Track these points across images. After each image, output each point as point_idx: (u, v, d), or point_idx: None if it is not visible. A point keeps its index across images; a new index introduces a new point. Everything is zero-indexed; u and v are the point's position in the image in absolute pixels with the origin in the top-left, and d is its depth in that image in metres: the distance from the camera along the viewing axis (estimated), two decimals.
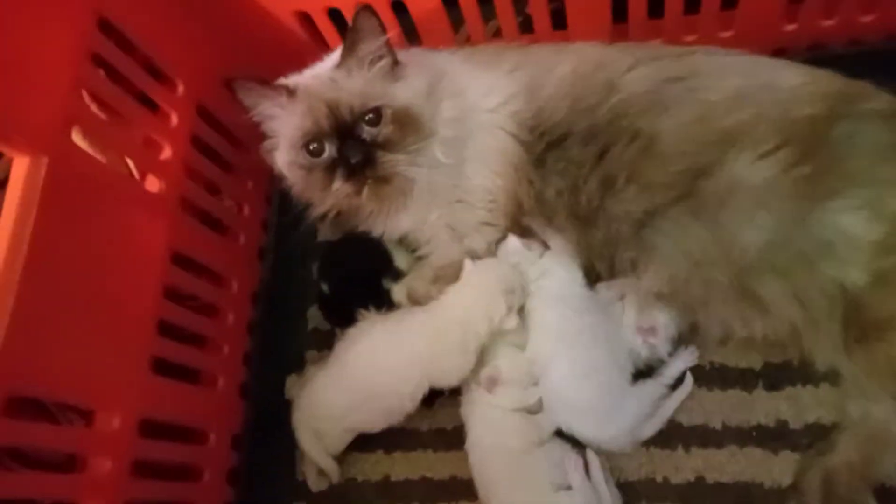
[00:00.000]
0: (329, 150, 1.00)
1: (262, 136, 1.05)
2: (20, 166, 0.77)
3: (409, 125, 1.00)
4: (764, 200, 0.94)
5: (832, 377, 1.01)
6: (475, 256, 1.11)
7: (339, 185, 1.00)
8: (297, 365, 1.21)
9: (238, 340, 1.16)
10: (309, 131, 1.00)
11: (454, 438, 1.10)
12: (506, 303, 1.03)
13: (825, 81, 0.99)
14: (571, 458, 1.00)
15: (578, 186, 1.04)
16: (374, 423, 1.08)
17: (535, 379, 1.05)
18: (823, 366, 1.00)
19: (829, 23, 1.10)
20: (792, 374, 1.04)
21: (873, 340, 0.94)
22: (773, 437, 1.02)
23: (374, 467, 1.13)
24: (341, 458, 1.14)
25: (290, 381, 1.15)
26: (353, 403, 1.05)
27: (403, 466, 1.12)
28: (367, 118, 0.99)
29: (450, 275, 1.10)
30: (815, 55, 1.11)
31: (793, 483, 0.98)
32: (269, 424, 1.17)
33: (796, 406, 1.03)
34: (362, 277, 1.17)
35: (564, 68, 1.05)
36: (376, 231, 1.15)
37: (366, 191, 1.01)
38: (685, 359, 1.06)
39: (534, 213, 1.08)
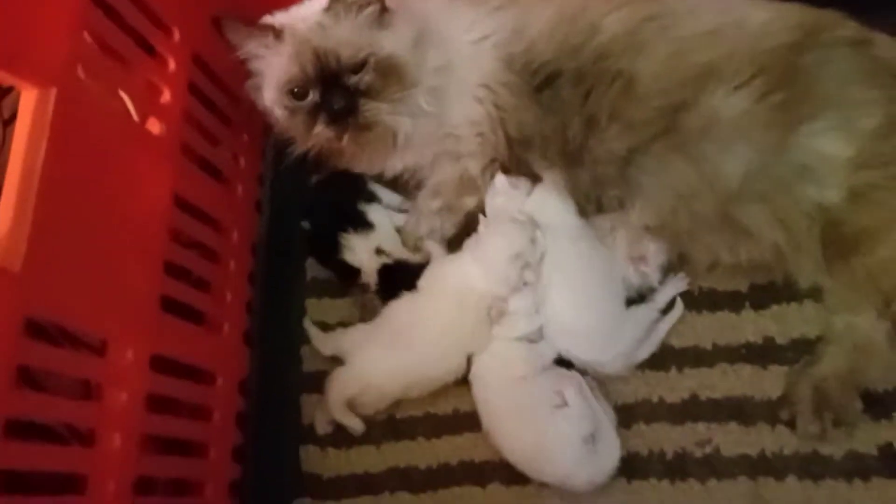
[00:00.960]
0: (312, 95, 1.03)
1: (249, 74, 1.07)
2: (29, 98, 0.79)
3: (392, 74, 1.03)
4: (742, 130, 0.99)
5: (815, 294, 1.06)
6: (473, 177, 1.13)
7: (321, 130, 1.03)
8: (298, 314, 1.24)
9: (240, 289, 1.18)
10: (294, 77, 1.02)
11: None
12: (515, 268, 1.06)
13: (793, 14, 1.03)
14: (566, 378, 1.04)
15: (566, 125, 1.07)
16: (416, 392, 1.10)
17: (537, 308, 1.08)
18: (806, 284, 1.05)
19: None
20: (777, 294, 1.09)
21: (851, 254, 0.99)
22: (762, 353, 1.07)
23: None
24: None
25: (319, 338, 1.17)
26: (396, 377, 1.08)
27: (407, 404, 1.14)
28: (352, 65, 1.01)
29: (451, 190, 1.14)
30: None
31: (783, 394, 1.03)
32: (273, 371, 1.20)
33: (782, 323, 1.08)
34: (337, 206, 1.19)
35: (549, 9, 1.08)
36: (361, 171, 1.19)
37: (347, 137, 1.04)
38: (675, 285, 1.11)
39: (527, 146, 1.12)
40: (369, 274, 1.15)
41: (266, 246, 1.25)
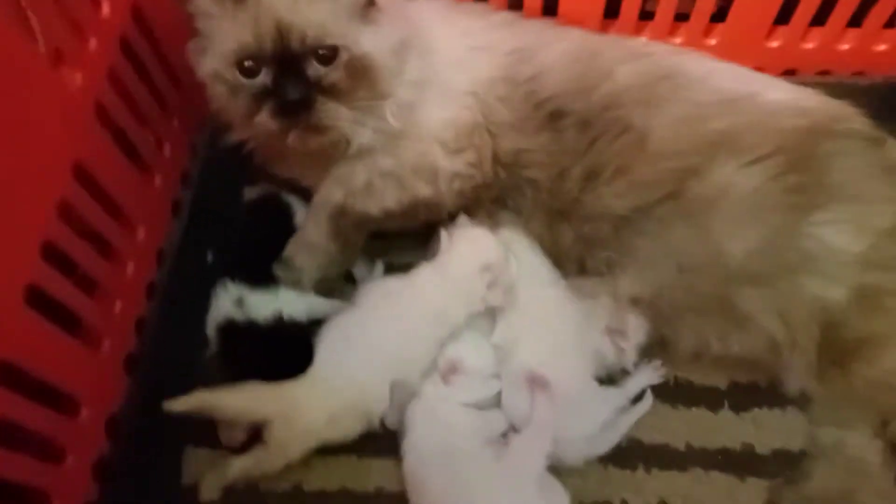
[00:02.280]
0: (263, 76, 0.85)
1: (193, 33, 0.88)
2: None
3: (363, 78, 0.88)
4: (752, 207, 0.90)
5: (800, 402, 0.96)
6: (436, 166, 0.98)
7: (265, 119, 0.86)
8: (199, 343, 1.01)
9: (134, 300, 0.94)
10: (247, 48, 0.84)
11: (385, 444, 0.94)
12: (482, 283, 0.91)
13: (810, 98, 0.99)
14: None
15: (563, 174, 0.96)
16: (354, 430, 0.91)
17: (496, 370, 0.92)
18: (793, 389, 0.95)
19: (807, 46, 1.13)
20: (758, 397, 0.98)
21: (851, 361, 0.90)
22: (740, 461, 0.94)
23: (281, 473, 0.92)
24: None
25: None
26: (335, 410, 0.89)
27: (319, 473, 0.93)
28: (318, 53, 0.85)
29: (421, 169, 0.98)
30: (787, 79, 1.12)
31: None
32: (153, 412, 0.94)
33: (763, 430, 0.96)
34: (252, 251, 1.01)
35: (563, 43, 0.99)
36: (304, 182, 1.02)
37: (293, 134, 0.88)
38: (649, 375, 0.98)
39: (513, 179, 0.99)
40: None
41: (176, 255, 1.02)
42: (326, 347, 0.91)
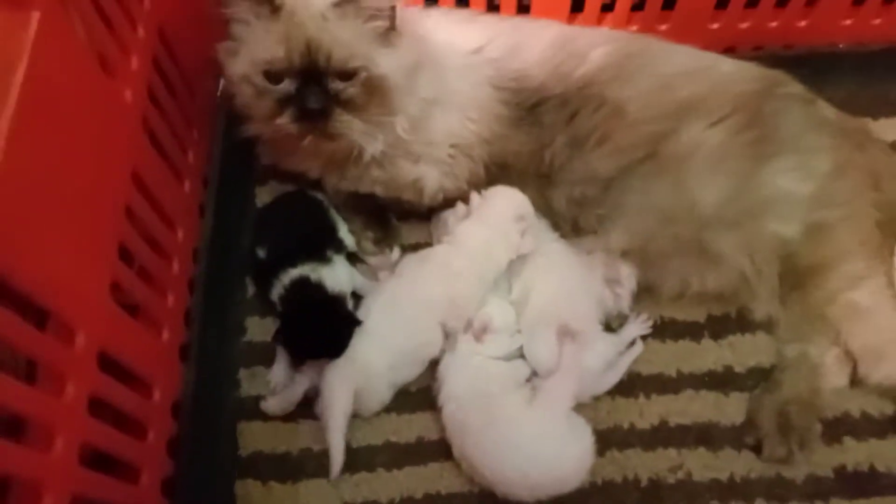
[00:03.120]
0: (288, 84, 0.95)
1: (224, 36, 0.97)
2: (9, 20, 0.66)
3: (378, 96, 0.98)
4: (718, 160, 1.05)
5: (766, 326, 1.12)
6: (423, 189, 1.11)
7: (285, 123, 0.96)
8: (237, 332, 1.11)
9: (181, 295, 1.03)
10: (277, 61, 0.94)
11: (420, 399, 1.06)
12: (518, 230, 1.04)
13: (752, 68, 1.14)
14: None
15: (545, 146, 1.09)
16: (414, 372, 1.04)
17: (518, 327, 1.06)
18: (760, 315, 1.11)
19: (743, 25, 1.29)
20: (732, 325, 1.13)
21: (805, 285, 1.06)
22: (723, 380, 1.10)
23: None
24: (291, 428, 1.05)
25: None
26: (395, 358, 1.01)
27: (365, 432, 1.05)
28: (340, 71, 0.95)
29: (407, 185, 1.10)
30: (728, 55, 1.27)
31: (746, 420, 1.06)
32: (208, 393, 1.04)
33: (738, 353, 1.12)
34: (303, 238, 1.09)
35: (544, 37, 1.11)
36: (312, 175, 1.12)
37: (309, 139, 0.98)
38: (639, 326, 1.11)
39: (502, 170, 1.11)
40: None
41: (208, 253, 1.11)
42: (378, 308, 1.03)
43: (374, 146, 1.02)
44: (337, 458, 0.95)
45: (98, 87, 0.80)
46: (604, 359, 1.05)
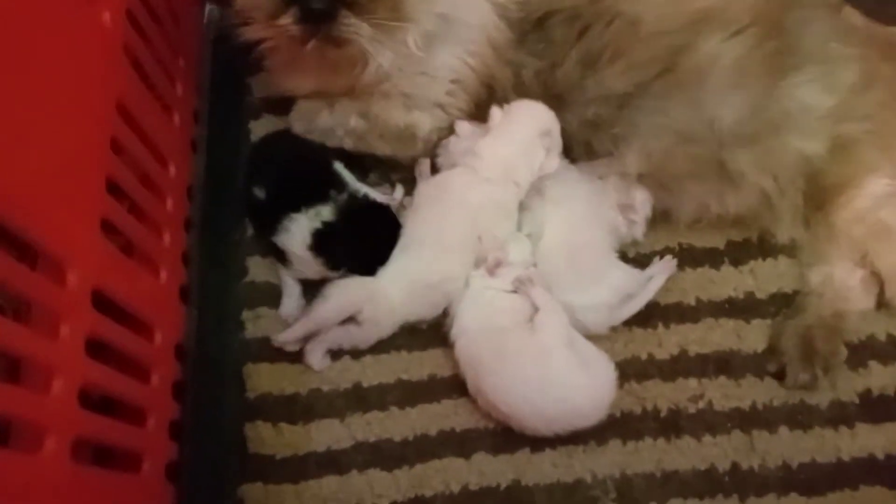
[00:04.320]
0: None
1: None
2: None
3: None
4: (737, 75, 0.99)
5: (788, 250, 1.08)
6: (415, 135, 1.05)
7: (287, 24, 0.89)
8: (239, 273, 1.07)
9: (177, 234, 0.98)
10: None
11: (430, 336, 1.03)
12: (543, 145, 0.99)
13: None
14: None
15: (555, 65, 1.02)
16: (431, 312, 1.01)
17: (532, 261, 1.02)
18: (783, 238, 1.07)
19: None
20: (752, 250, 1.09)
21: (829, 204, 1.02)
22: (744, 307, 1.06)
23: (341, 375, 1.01)
24: (299, 369, 1.02)
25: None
26: (413, 293, 0.98)
27: (375, 371, 1.02)
28: None
29: (393, 134, 1.05)
30: None
31: (769, 347, 1.03)
32: (211, 336, 1.01)
33: (760, 279, 1.08)
34: (306, 177, 1.04)
35: None
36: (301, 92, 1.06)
37: (312, 43, 0.91)
38: (664, 266, 1.06)
39: (507, 96, 1.05)
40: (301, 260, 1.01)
41: (203, 191, 1.06)
42: (398, 248, 0.99)
43: (382, 55, 0.95)
44: (282, 337, 0.97)
45: (74, 9, 0.74)
46: (620, 292, 1.01)
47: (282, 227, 1.00)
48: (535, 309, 0.99)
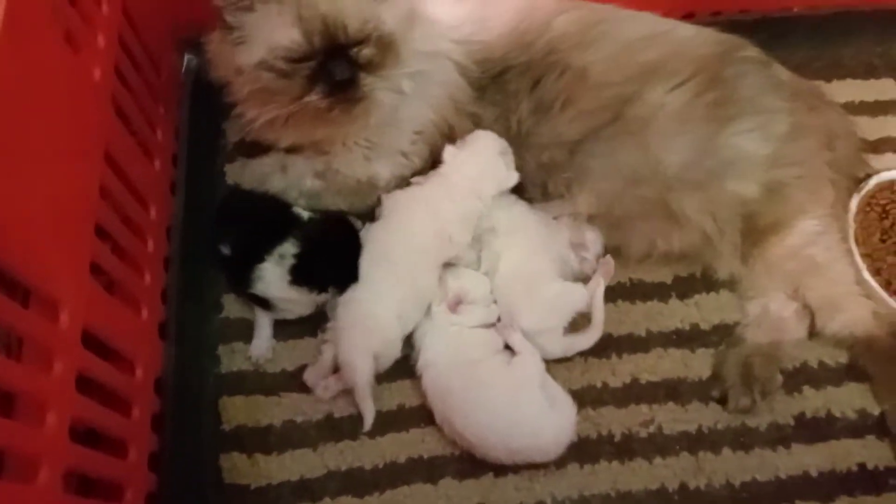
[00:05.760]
0: (311, 61, 0.96)
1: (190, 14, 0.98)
2: None
3: (390, 51, 1.00)
4: (681, 122, 1.08)
5: (729, 285, 1.17)
6: (376, 185, 1.13)
7: (316, 99, 0.97)
8: (215, 309, 1.12)
9: (157, 273, 1.03)
10: (297, 44, 0.93)
11: (397, 368, 1.08)
12: (504, 163, 1.08)
13: (711, 33, 1.16)
14: (505, 329, 1.07)
15: (510, 112, 1.11)
16: (421, 315, 1.07)
17: (493, 298, 1.09)
18: (723, 274, 1.15)
19: None
20: (697, 285, 1.18)
21: (764, 242, 1.11)
22: (689, 337, 1.14)
23: (314, 406, 1.06)
24: (273, 401, 1.06)
25: None
26: (400, 307, 1.04)
27: (347, 402, 1.06)
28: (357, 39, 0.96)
29: (351, 188, 1.12)
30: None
31: (713, 374, 1.11)
32: (188, 370, 1.05)
33: (704, 310, 1.16)
34: (264, 227, 1.08)
35: (510, 7, 1.12)
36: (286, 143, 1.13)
37: (339, 108, 0.99)
38: (604, 270, 1.13)
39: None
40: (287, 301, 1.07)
41: (181, 231, 1.11)
42: (372, 260, 1.05)
43: (391, 100, 1.05)
44: (369, 418, 1.02)
45: (68, 66, 0.80)
46: (570, 309, 1.08)
47: (255, 278, 1.05)
48: (514, 352, 1.06)
